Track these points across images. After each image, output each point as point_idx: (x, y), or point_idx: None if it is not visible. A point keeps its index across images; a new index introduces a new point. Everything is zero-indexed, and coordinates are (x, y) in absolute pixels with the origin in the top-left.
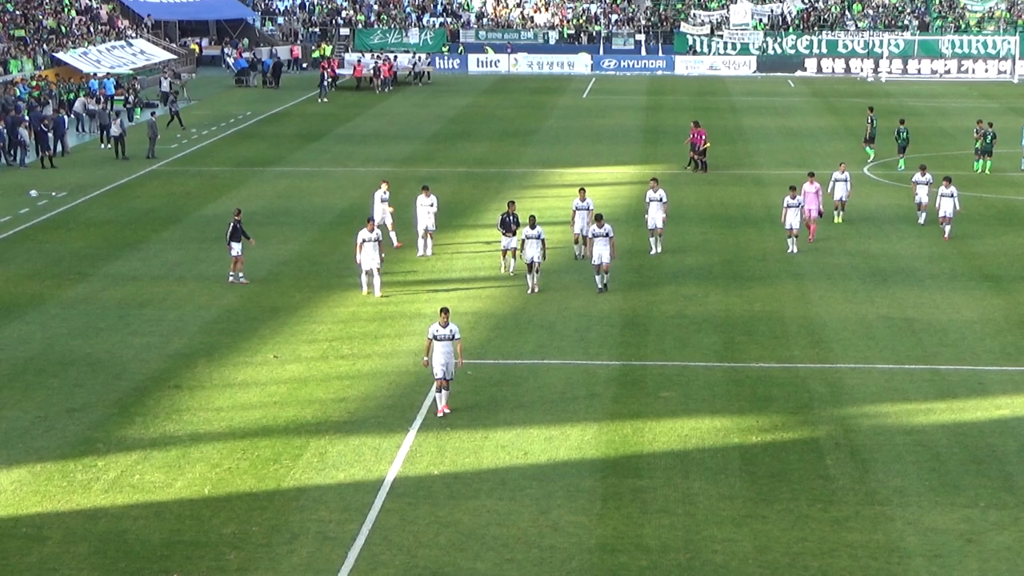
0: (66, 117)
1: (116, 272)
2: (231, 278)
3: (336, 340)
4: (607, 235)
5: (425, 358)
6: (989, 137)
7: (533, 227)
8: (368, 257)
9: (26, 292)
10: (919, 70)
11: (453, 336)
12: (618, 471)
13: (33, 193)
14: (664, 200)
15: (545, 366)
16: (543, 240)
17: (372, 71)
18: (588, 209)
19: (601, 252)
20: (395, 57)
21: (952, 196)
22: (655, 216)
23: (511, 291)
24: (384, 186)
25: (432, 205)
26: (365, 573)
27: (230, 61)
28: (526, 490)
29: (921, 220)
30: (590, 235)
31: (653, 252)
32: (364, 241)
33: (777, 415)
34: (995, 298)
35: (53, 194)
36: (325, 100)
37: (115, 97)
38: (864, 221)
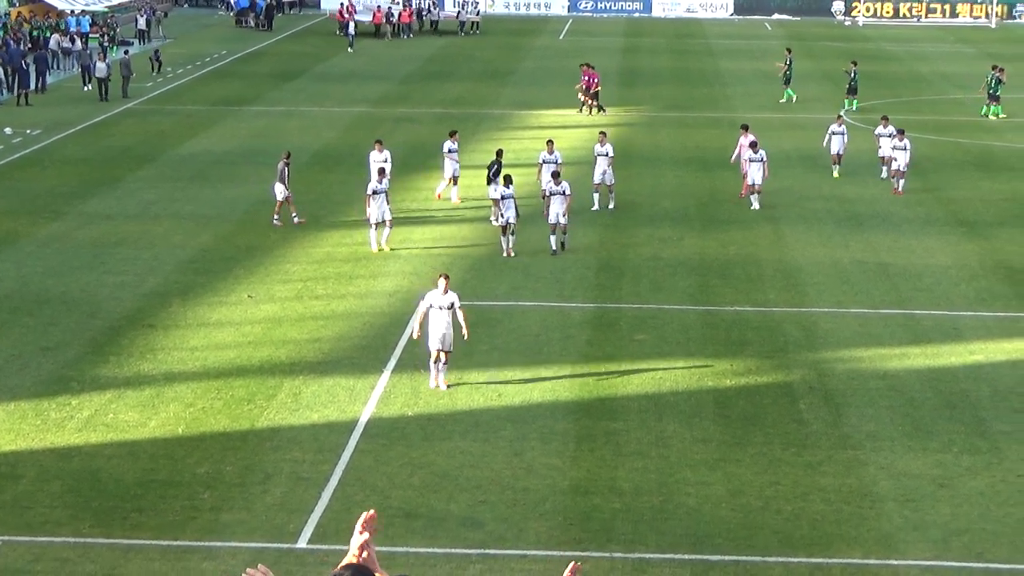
0: (48, 55)
1: (91, 211)
2: (276, 220)
3: (310, 280)
4: (564, 193)
5: (417, 332)
6: (991, 80)
7: (508, 186)
8: (377, 209)
9: (0, 230)
10: (898, 12)
11: (452, 305)
12: (592, 414)
13: (8, 131)
14: (610, 155)
15: (520, 308)
16: (515, 200)
17: (385, 17)
18: (556, 162)
19: (558, 211)
20: (434, 1)
21: (905, 149)
22: (599, 170)
23: (486, 232)
24: (453, 137)
25: (386, 161)
26: (338, 514)
27: (231, 1)
28: (500, 432)
29: (884, 174)
30: (547, 192)
31: (595, 208)
32: (374, 192)
33: (751, 359)
34: (970, 243)
35: (28, 131)
36: (351, 49)
37: (90, 35)
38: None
